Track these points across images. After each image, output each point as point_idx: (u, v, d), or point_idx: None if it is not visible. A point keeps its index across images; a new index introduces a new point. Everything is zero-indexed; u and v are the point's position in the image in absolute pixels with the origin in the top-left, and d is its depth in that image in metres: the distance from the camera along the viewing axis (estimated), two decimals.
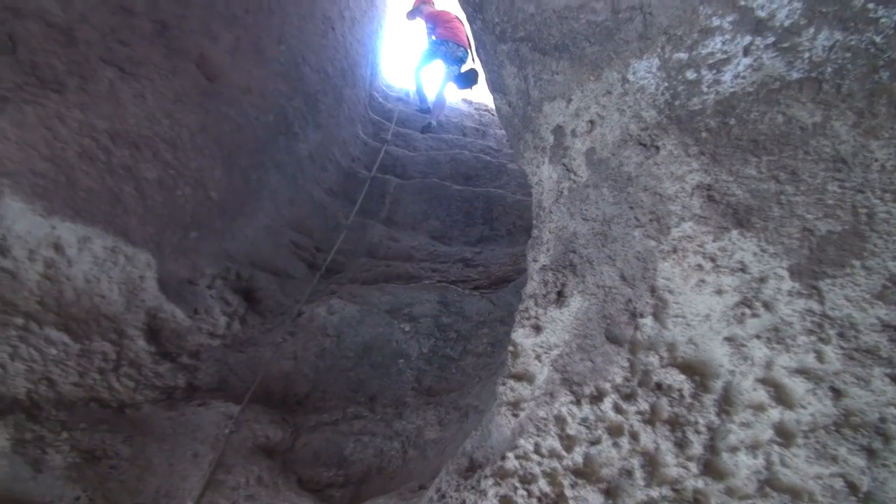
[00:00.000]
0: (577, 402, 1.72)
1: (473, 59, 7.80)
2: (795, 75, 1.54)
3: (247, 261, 3.80)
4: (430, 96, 8.02)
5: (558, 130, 2.22)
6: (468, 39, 7.76)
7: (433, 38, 7.73)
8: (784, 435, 1.34)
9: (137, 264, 3.09)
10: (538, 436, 1.75)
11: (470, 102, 9.36)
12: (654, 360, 1.62)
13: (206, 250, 3.53)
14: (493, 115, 8.92)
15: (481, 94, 9.64)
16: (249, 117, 4.12)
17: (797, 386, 1.36)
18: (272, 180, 4.33)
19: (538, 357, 1.94)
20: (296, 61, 4.86)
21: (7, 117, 2.71)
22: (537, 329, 1.98)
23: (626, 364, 1.67)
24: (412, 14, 8.28)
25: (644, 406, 1.58)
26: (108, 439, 2.56)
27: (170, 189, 3.31)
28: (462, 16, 7.93)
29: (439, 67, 7.91)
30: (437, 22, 7.83)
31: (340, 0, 5.85)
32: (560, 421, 1.73)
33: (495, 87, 2.63)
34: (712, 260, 1.58)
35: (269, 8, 4.40)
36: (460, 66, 7.76)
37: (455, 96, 9.13)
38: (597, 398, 1.69)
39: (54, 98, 2.85)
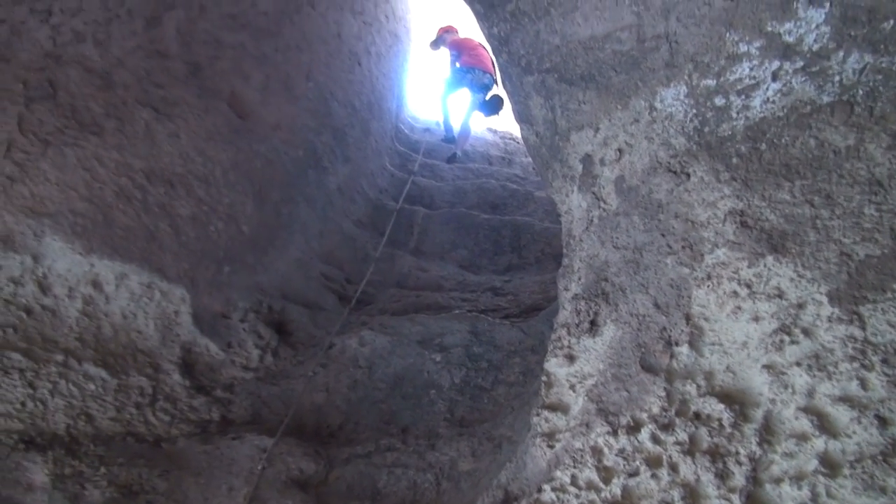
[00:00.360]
0: (614, 433, 1.70)
1: (498, 86, 7.68)
2: (826, 99, 1.53)
3: (278, 294, 3.84)
4: (456, 126, 7.94)
5: (587, 159, 2.22)
6: (494, 66, 7.67)
7: (458, 65, 7.67)
8: (829, 465, 1.31)
9: (172, 299, 3.14)
10: (574, 467, 1.73)
11: (495, 131, 9.41)
12: (691, 388, 1.60)
13: (238, 284, 3.58)
14: (518, 143, 8.95)
15: (506, 122, 9.64)
16: (279, 153, 4.20)
17: (841, 414, 1.33)
18: (302, 213, 4.39)
19: (572, 387, 1.92)
20: (324, 97, 4.96)
21: (48, 160, 2.80)
22: (571, 358, 1.97)
23: (663, 393, 1.64)
24: (436, 44, 8.25)
25: (683, 436, 1.55)
26: (145, 474, 2.58)
27: (203, 225, 3.38)
28: (486, 43, 7.98)
29: (465, 95, 7.84)
30: (462, 49, 7.79)
31: (366, 36, 5.97)
32: (597, 452, 1.71)
33: (522, 117, 2.65)
34: (748, 286, 1.56)
35: (298, 46, 4.51)
36: (486, 94, 7.66)
37: (480, 125, 9.17)
38: (634, 428, 1.66)
39: (93, 140, 2.94)
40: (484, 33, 2.68)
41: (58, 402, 2.67)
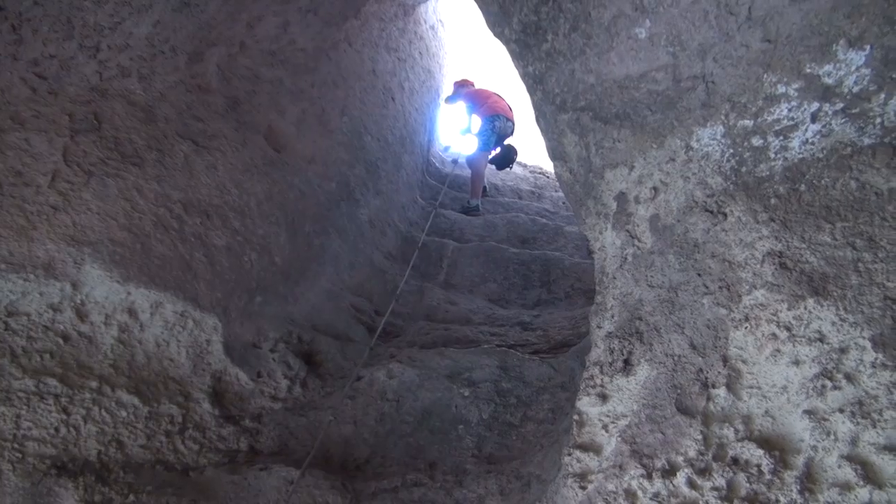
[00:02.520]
0: (649, 476, 1.66)
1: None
2: (867, 141, 1.52)
3: (308, 324, 3.87)
4: (456, 191, 7.55)
5: (621, 197, 2.22)
6: (512, 114, 7.65)
7: (482, 115, 7.42)
8: None
9: (205, 328, 3.18)
10: None
11: (525, 165, 9.46)
12: (728, 432, 1.57)
13: (269, 314, 3.61)
14: (547, 177, 8.97)
15: (536, 156, 9.67)
16: (313, 185, 4.26)
17: (887, 464, 1.29)
18: (334, 245, 4.44)
19: (605, 427, 1.90)
20: (358, 131, 5.04)
21: (90, 190, 2.88)
22: (603, 398, 1.94)
23: (699, 436, 1.61)
24: (452, 98, 8.05)
25: (720, 482, 1.51)
26: (173, 502, 2.59)
27: (237, 255, 3.43)
28: (500, 92, 7.95)
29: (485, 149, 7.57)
30: (478, 99, 7.63)
31: (400, 72, 6.09)
32: (630, 495, 1.68)
33: (556, 154, 2.66)
34: (787, 329, 1.53)
35: (334, 82, 4.61)
36: (500, 144, 7.51)
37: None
38: (669, 472, 1.63)
39: (134, 171, 3.02)
40: (519, 72, 2.71)
41: (90, 429, 2.70)
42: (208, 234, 3.29)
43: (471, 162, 7.46)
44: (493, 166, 7.77)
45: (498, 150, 7.54)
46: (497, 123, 7.33)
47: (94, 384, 2.78)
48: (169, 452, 2.84)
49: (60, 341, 2.79)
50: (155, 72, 3.23)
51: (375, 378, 3.46)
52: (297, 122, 4.20)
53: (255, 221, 3.62)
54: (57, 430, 2.63)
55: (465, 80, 8.19)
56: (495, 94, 7.80)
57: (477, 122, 7.59)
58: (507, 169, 7.94)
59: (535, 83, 2.56)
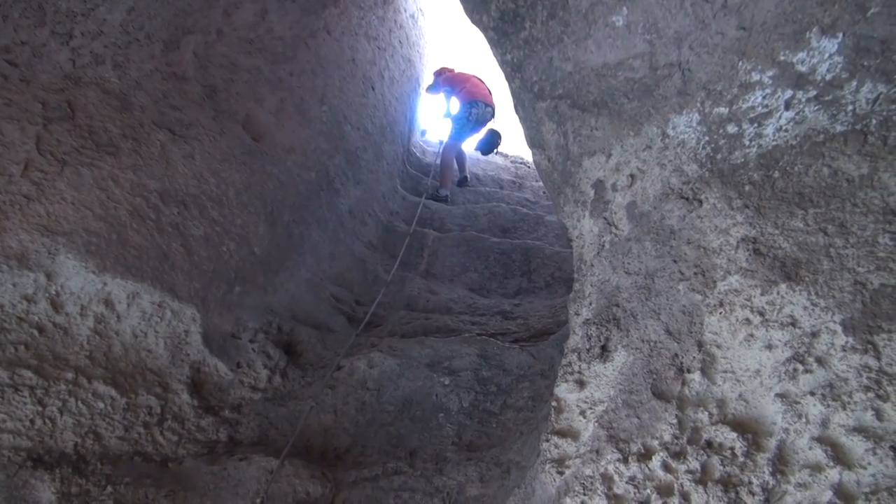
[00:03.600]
0: (625, 460, 1.68)
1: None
2: (840, 128, 1.54)
3: (288, 314, 3.85)
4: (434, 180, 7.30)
5: (599, 185, 2.23)
6: (492, 98, 7.52)
7: (460, 101, 7.36)
8: (844, 497, 1.29)
9: (183, 319, 3.15)
10: (584, 494, 1.71)
11: (506, 156, 9.46)
12: (703, 416, 1.59)
13: (249, 304, 3.59)
14: (528, 167, 8.98)
15: (516, 146, 9.64)
16: (292, 175, 4.23)
17: (856, 445, 1.31)
18: (314, 235, 4.41)
19: (583, 413, 1.91)
20: (337, 120, 5.01)
21: (65, 179, 2.83)
22: (581, 384, 1.95)
23: (675, 421, 1.63)
24: (433, 88, 7.95)
25: (694, 465, 1.53)
26: (152, 494, 2.57)
27: (215, 245, 3.40)
28: (480, 75, 7.84)
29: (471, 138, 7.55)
30: (456, 83, 7.52)
31: (380, 61, 6.05)
32: (607, 479, 1.69)
33: (534, 142, 2.67)
34: (761, 314, 1.55)
35: (313, 71, 4.57)
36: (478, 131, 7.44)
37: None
38: (644, 456, 1.65)
39: (109, 160, 2.97)
40: (497, 60, 2.71)
41: (66, 421, 2.67)
42: (186, 224, 3.26)
43: (441, 151, 7.40)
44: (479, 153, 7.70)
45: (482, 134, 7.44)
46: (474, 111, 7.22)
47: (70, 375, 2.75)
48: (147, 444, 2.81)
49: (35, 332, 2.75)
50: (130, 59, 3.18)
51: (356, 367, 3.46)
52: (276, 111, 4.16)
53: (234, 211, 3.58)
54: (32, 422, 2.60)
55: (443, 67, 8.08)
56: (475, 76, 7.70)
57: (456, 105, 7.49)
58: (494, 153, 7.81)
59: (513, 71, 2.56)
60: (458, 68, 8.14)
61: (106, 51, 3.06)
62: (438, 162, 7.37)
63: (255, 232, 3.73)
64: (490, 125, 7.51)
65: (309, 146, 4.52)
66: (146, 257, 3.04)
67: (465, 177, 7.48)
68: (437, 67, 8.13)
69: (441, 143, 7.87)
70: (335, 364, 3.53)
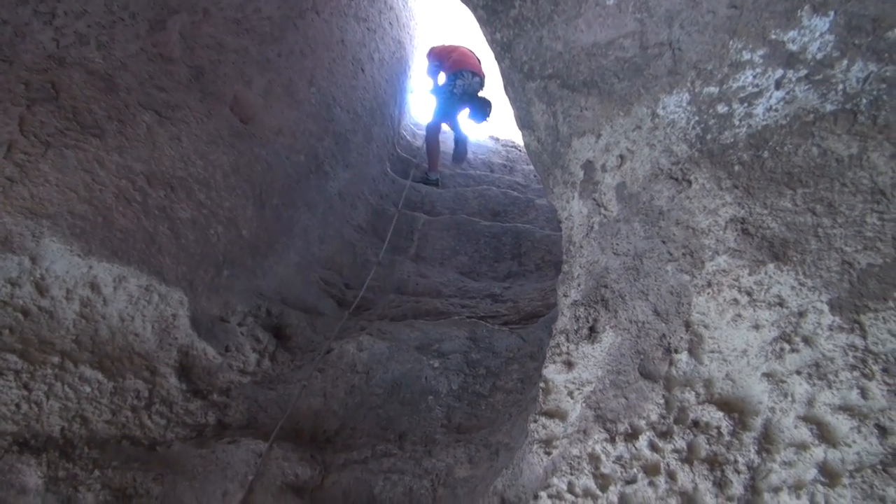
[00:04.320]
0: (612, 440, 1.68)
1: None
2: (829, 107, 1.53)
3: (277, 298, 3.83)
4: (440, 167, 7.12)
5: (588, 165, 2.22)
6: (481, 66, 7.11)
7: (445, 73, 6.95)
8: (829, 475, 1.30)
9: (171, 302, 3.13)
10: (572, 474, 1.71)
11: (497, 139, 9.43)
12: (690, 396, 1.59)
13: (237, 288, 3.57)
14: (519, 150, 8.95)
15: (507, 129, 9.56)
16: (281, 157, 4.19)
17: (841, 424, 1.32)
18: (303, 218, 4.39)
19: (570, 394, 1.91)
20: (327, 102, 4.96)
21: (48, 161, 2.79)
22: (569, 365, 1.95)
23: (662, 401, 1.63)
24: (428, 69, 7.51)
25: (681, 444, 1.54)
26: (140, 477, 2.56)
27: (203, 228, 3.37)
28: (470, 46, 7.45)
29: (460, 111, 7.15)
30: (443, 56, 7.14)
31: (370, 42, 5.99)
32: (594, 459, 1.69)
33: (524, 123, 2.65)
34: (748, 294, 1.55)
35: (301, 52, 4.52)
36: (473, 103, 6.91)
37: (481, 134, 9.16)
38: (632, 436, 1.65)
39: (94, 142, 2.93)
40: (486, 39, 2.68)
41: (53, 405, 2.65)
42: (173, 207, 3.22)
43: (426, 132, 7.07)
44: (473, 122, 7.18)
45: (467, 110, 6.98)
46: (459, 81, 6.76)
47: (56, 360, 2.73)
48: (135, 427, 2.80)
49: (20, 316, 2.72)
50: (114, 39, 3.13)
51: (345, 351, 3.45)
52: (264, 93, 4.12)
53: (222, 194, 3.55)
54: (18, 406, 2.58)
55: (433, 46, 7.69)
56: (463, 47, 7.28)
57: (442, 78, 7.08)
58: (486, 121, 7.13)
59: (502, 51, 2.53)
60: (448, 42, 7.76)
61: (90, 31, 3.01)
62: (423, 145, 7.13)
63: (243, 215, 3.70)
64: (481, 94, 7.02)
65: (298, 128, 4.48)
66: (132, 240, 3.01)
67: (462, 150, 6.99)
68: (429, 47, 7.73)
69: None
70: (325, 347, 3.52)
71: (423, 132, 7.78)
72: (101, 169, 2.94)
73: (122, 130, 3.07)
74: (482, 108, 6.87)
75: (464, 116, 7.23)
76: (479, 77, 6.89)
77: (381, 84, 6.41)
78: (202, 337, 3.21)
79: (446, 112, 7.02)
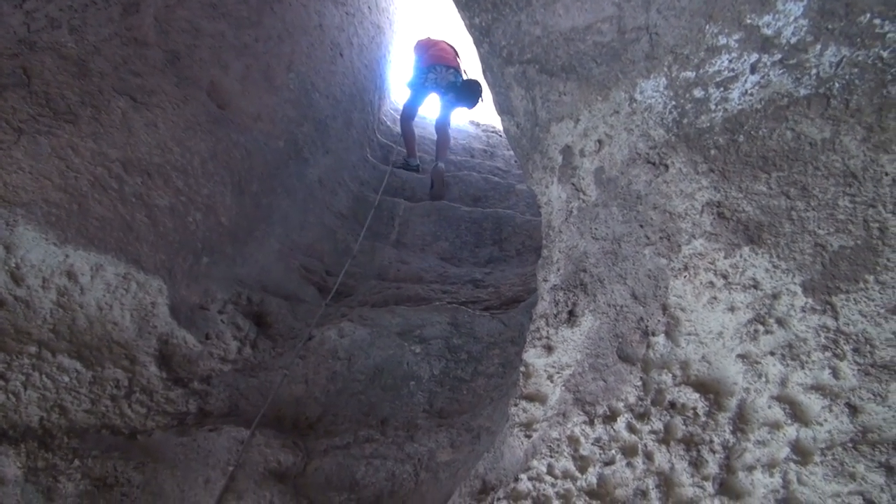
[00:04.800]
0: (591, 422, 1.70)
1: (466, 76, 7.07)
2: (803, 92, 1.55)
3: (258, 285, 3.81)
4: (418, 151, 7.12)
5: (567, 150, 2.22)
6: (458, 57, 7.19)
7: (420, 65, 7.02)
8: (801, 453, 1.32)
9: (149, 291, 3.10)
10: (551, 457, 1.73)
11: (477, 124, 9.42)
12: (667, 378, 1.61)
13: (217, 276, 3.55)
14: (500, 136, 8.95)
15: (488, 115, 9.53)
16: (260, 143, 4.16)
17: (813, 403, 1.35)
18: (283, 205, 4.36)
19: (550, 377, 1.93)
20: (305, 88, 4.92)
21: (21, 148, 2.74)
22: (549, 349, 1.97)
23: (639, 383, 1.65)
24: (413, 62, 7.41)
25: (658, 425, 1.56)
26: (120, 466, 2.55)
27: (181, 216, 3.34)
28: (451, 42, 7.50)
29: (434, 101, 7.21)
30: (423, 50, 7.17)
31: (349, 27, 5.93)
32: (573, 441, 1.71)
33: (503, 108, 2.64)
34: (724, 277, 1.57)
35: (279, 36, 4.47)
36: (455, 92, 6.87)
37: (462, 119, 9.13)
38: (610, 418, 1.67)
39: (68, 129, 2.89)
40: (465, 24, 2.67)
41: (31, 395, 2.63)
42: (150, 194, 3.19)
43: (399, 120, 7.12)
44: (466, 109, 7.14)
45: (453, 96, 6.90)
46: (431, 75, 6.84)
47: (33, 349, 2.70)
48: (115, 417, 2.79)
49: None
50: (87, 23, 3.07)
51: (326, 337, 3.45)
52: (242, 78, 4.07)
53: (200, 181, 3.52)
54: None
55: (419, 40, 7.65)
56: (442, 41, 7.33)
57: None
58: (476, 104, 7.02)
59: (481, 35, 2.53)
60: (435, 36, 7.75)
61: (62, 14, 2.95)
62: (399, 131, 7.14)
63: (222, 202, 3.67)
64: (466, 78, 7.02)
65: (276, 114, 4.44)
66: (109, 228, 2.97)
67: (439, 165, 6.53)
68: (416, 40, 7.69)
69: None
70: (306, 334, 3.52)
71: None
72: (76, 156, 2.90)
73: (97, 116, 3.02)
74: (468, 95, 6.85)
75: (456, 110, 7.19)
76: (453, 69, 6.95)
77: (361, 69, 6.37)
78: (182, 325, 3.19)
79: (416, 103, 7.10)
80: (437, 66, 6.89)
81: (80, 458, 2.52)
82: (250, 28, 4.14)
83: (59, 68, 2.93)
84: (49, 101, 2.87)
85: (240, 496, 2.53)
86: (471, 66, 7.25)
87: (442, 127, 6.88)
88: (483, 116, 9.64)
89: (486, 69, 2.69)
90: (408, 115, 7.06)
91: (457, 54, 7.33)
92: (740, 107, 1.67)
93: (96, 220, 2.92)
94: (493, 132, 9.15)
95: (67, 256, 2.83)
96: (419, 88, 6.98)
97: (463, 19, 2.66)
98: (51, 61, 2.91)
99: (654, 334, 1.68)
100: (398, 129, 7.75)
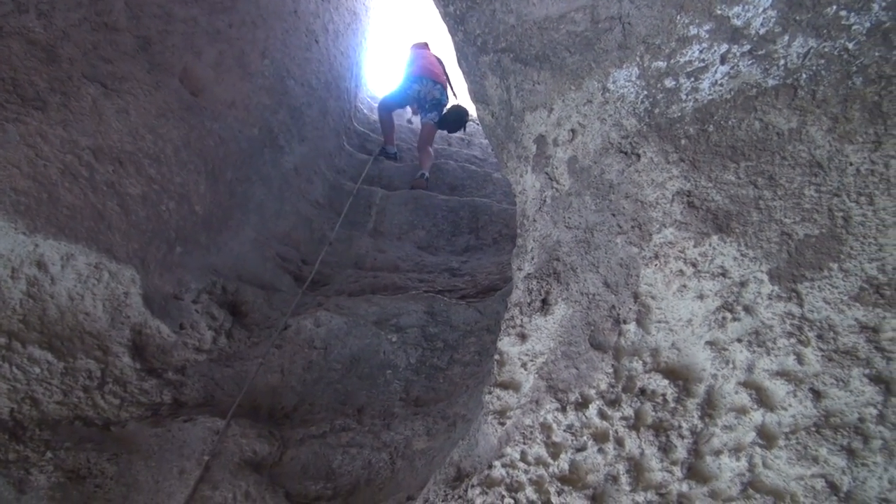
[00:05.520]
0: (563, 409, 1.72)
1: (456, 96, 7.19)
2: (771, 82, 1.56)
3: (233, 275, 3.79)
4: (397, 141, 7.19)
5: (540, 140, 2.23)
6: (447, 76, 7.23)
7: (410, 72, 7.08)
8: (766, 437, 1.35)
9: (122, 280, 3.06)
10: (524, 444, 1.75)
11: None
12: (637, 365, 1.63)
13: (191, 265, 3.52)
14: (477, 124, 8.94)
15: (465, 103, 9.49)
16: (234, 131, 4.12)
17: (778, 388, 1.37)
18: (258, 193, 4.33)
19: (524, 365, 1.95)
20: (280, 75, 4.87)
21: None
22: (523, 337, 1.98)
23: (611, 370, 1.67)
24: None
25: (629, 412, 1.58)
26: (93, 458, 2.53)
27: (154, 204, 3.30)
28: (442, 57, 7.52)
29: (414, 113, 7.30)
30: (412, 62, 7.20)
31: (324, 13, 5.88)
32: (546, 428, 1.73)
33: (478, 97, 2.64)
34: (693, 265, 1.59)
35: (253, 22, 4.41)
36: (439, 112, 6.92)
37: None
38: (582, 405, 1.69)
39: (36, 116, 2.83)
40: (440, 12, 2.66)
41: (1, 386, 2.60)
42: (122, 183, 3.14)
43: (377, 109, 7.15)
44: (446, 132, 7.29)
45: (435, 115, 6.94)
46: (415, 86, 6.88)
47: (2, 340, 2.66)
48: (88, 408, 2.76)
49: None
50: (56, 8, 3.01)
51: (302, 327, 3.44)
52: (215, 65, 4.02)
53: (173, 169, 3.48)
54: None
55: (420, 42, 7.75)
56: (433, 55, 7.36)
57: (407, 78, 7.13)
58: (461, 132, 7.36)
59: (456, 24, 2.52)
60: (426, 44, 7.83)
61: None
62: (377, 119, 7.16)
63: (195, 190, 3.63)
64: (451, 104, 7.08)
65: (251, 101, 4.40)
66: (80, 217, 2.93)
67: (424, 175, 6.34)
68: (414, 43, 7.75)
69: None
70: (282, 323, 3.51)
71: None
72: (45, 143, 2.85)
73: (66, 103, 2.96)
74: (452, 123, 6.96)
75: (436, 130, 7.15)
76: (440, 85, 6.98)
77: (337, 56, 6.32)
78: (156, 315, 3.16)
79: (398, 103, 7.15)
80: (423, 77, 6.92)
81: (52, 450, 2.49)
82: (223, 13, 4.08)
83: (27, 54, 2.87)
84: (17, 88, 2.81)
85: (215, 486, 2.53)
86: (456, 79, 7.26)
87: (423, 147, 6.67)
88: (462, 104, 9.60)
89: (461, 57, 2.68)
90: (387, 106, 7.08)
91: (444, 69, 7.34)
92: (710, 97, 1.68)
93: (66, 208, 2.88)
94: (470, 120, 9.13)
95: (37, 246, 2.79)
96: (403, 95, 7.03)
97: (437, 7, 2.65)
98: (18, 46, 2.84)
99: (625, 322, 1.70)
100: (375, 116, 7.75)
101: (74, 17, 3.09)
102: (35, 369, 2.70)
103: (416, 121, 7.82)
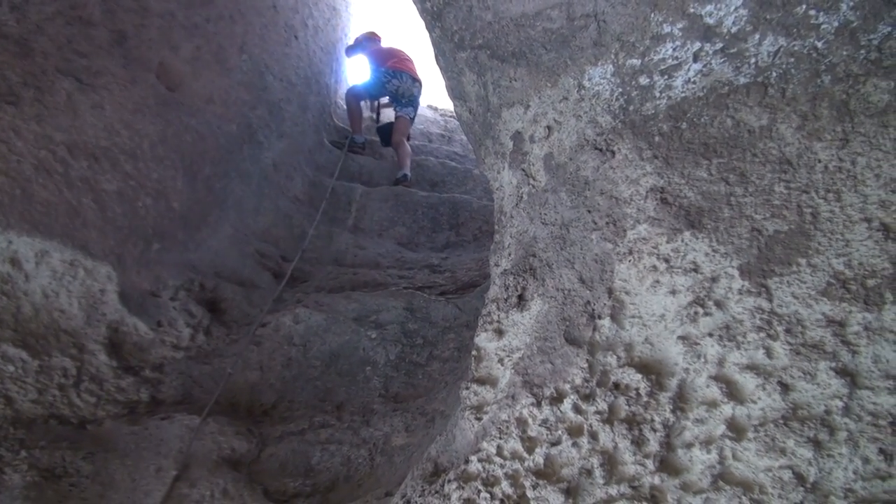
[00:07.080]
0: (538, 404, 1.74)
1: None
2: (743, 80, 1.59)
3: (211, 271, 3.76)
4: (362, 131, 7.02)
5: (517, 136, 2.24)
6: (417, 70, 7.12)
7: (383, 68, 6.89)
8: (736, 430, 1.38)
9: (98, 277, 3.04)
10: (500, 438, 1.76)
11: (435, 109, 9.39)
12: (611, 360, 1.65)
13: (168, 262, 3.49)
14: (458, 120, 8.94)
15: (446, 99, 9.49)
16: (212, 127, 4.08)
17: (748, 382, 1.40)
18: (236, 190, 4.30)
19: (501, 360, 1.96)
20: (259, 70, 4.84)
21: None
22: (499, 333, 2.00)
23: (585, 365, 1.69)
24: (352, 50, 7.51)
25: (602, 406, 1.60)
26: (69, 457, 2.51)
27: (130, 201, 3.27)
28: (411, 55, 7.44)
29: (387, 109, 7.22)
30: (385, 57, 7.05)
31: (303, 9, 5.84)
32: (521, 423, 1.75)
33: (455, 94, 2.65)
34: (666, 261, 1.61)
35: (231, 17, 4.38)
36: (414, 108, 6.93)
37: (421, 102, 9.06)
38: (557, 399, 1.71)
39: (9, 111, 2.79)
40: (417, 8, 2.66)
41: None
42: (97, 179, 3.11)
43: (345, 96, 7.10)
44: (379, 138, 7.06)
45: (412, 111, 6.94)
46: (395, 81, 6.80)
47: None
48: (63, 406, 2.74)
49: None
50: (29, 1, 2.96)
51: (281, 323, 3.43)
52: (192, 60, 3.98)
53: (149, 165, 3.44)
54: None
55: (372, 33, 7.63)
56: (403, 52, 7.27)
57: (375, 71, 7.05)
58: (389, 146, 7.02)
59: (433, 20, 2.52)
60: (387, 42, 7.76)
61: None
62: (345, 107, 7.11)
63: (173, 186, 3.60)
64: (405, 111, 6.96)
65: (229, 97, 4.36)
66: (55, 214, 2.90)
67: (407, 175, 6.19)
68: (366, 31, 7.66)
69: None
70: (260, 320, 3.49)
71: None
72: (18, 139, 2.81)
73: (40, 98, 2.93)
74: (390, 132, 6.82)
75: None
76: (418, 84, 6.97)
77: (316, 52, 6.29)
78: (132, 312, 3.14)
79: (370, 93, 7.17)
80: (403, 73, 6.85)
81: (26, 449, 2.47)
82: (201, 7, 4.05)
83: (0, 48, 2.82)
84: None
85: (192, 484, 2.52)
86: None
87: (400, 142, 6.55)
88: (441, 101, 9.62)
89: (439, 54, 2.68)
90: (357, 94, 7.02)
91: (416, 70, 7.24)
92: (683, 94, 1.70)
93: (41, 205, 2.85)
94: (450, 117, 9.14)
95: (10, 243, 2.76)
96: (379, 85, 6.95)
97: (415, 3, 2.65)
98: None
99: (600, 317, 1.72)
100: None
101: (48, 11, 3.05)
102: (9, 367, 2.67)
103: (388, 113, 7.73)
